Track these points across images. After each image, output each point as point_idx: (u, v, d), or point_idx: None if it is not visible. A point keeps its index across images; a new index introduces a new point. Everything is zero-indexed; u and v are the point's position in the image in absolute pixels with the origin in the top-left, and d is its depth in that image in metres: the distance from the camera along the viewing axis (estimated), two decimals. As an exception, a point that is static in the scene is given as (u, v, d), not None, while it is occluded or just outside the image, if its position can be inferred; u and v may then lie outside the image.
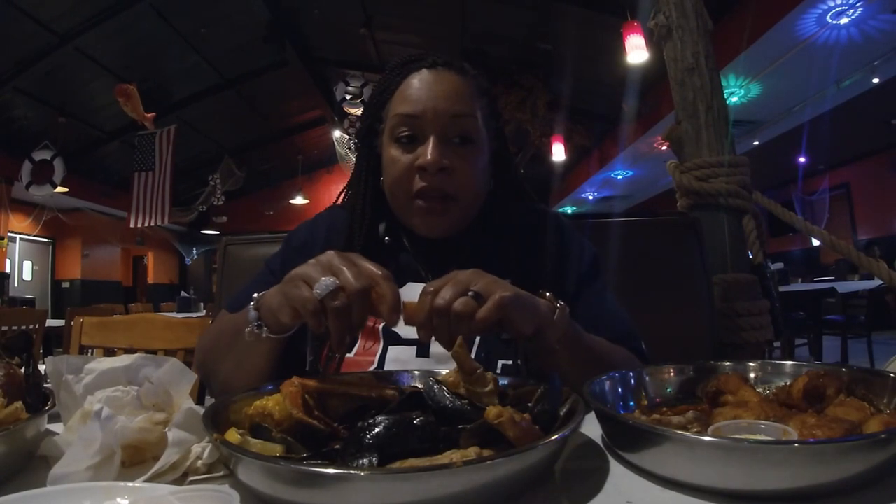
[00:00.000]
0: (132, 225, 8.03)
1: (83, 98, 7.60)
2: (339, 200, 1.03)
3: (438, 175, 0.84)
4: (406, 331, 0.88)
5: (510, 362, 0.86)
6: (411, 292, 0.91)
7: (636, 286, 1.26)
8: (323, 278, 0.60)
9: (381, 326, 0.89)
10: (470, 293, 0.62)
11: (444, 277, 0.65)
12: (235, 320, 0.78)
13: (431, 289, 0.63)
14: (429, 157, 0.83)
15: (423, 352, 0.86)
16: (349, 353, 0.88)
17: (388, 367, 0.85)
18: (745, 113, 6.83)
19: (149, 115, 6.50)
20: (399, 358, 0.86)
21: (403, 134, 0.86)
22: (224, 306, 0.94)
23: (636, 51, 5.21)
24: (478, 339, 0.86)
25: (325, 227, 1.00)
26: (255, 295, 0.71)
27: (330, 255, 0.63)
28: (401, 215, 0.92)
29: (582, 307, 0.90)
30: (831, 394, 0.58)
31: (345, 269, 0.61)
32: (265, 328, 0.69)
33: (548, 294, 0.73)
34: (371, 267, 0.62)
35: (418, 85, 0.87)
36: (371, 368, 0.86)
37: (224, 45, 7.44)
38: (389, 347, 0.87)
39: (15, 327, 3.34)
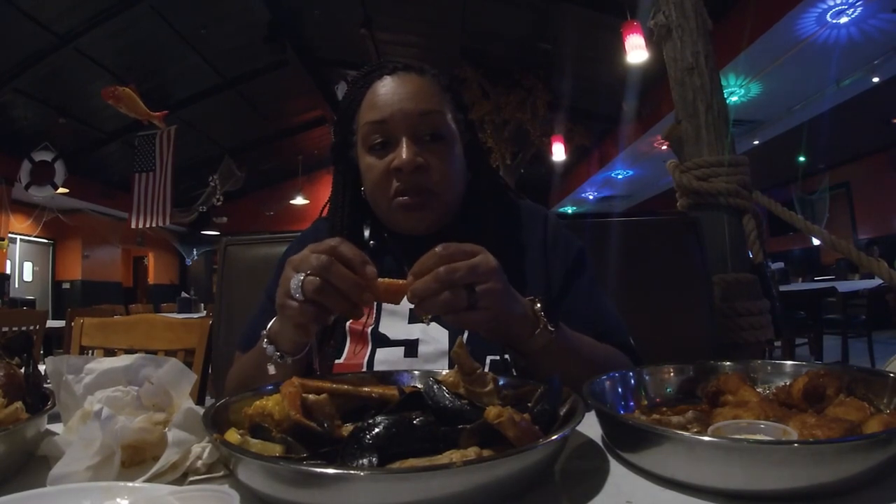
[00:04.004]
0: (133, 226, 8.02)
1: (83, 98, 7.59)
2: (324, 213, 1.04)
3: (415, 174, 0.85)
4: (394, 332, 0.89)
5: (498, 357, 0.86)
6: None
7: (636, 286, 1.26)
8: (291, 282, 0.64)
9: (369, 330, 0.89)
10: (467, 291, 0.64)
11: (466, 252, 0.65)
12: (255, 359, 0.80)
13: (440, 267, 0.63)
14: (403, 157, 0.84)
15: (411, 352, 0.87)
16: (338, 358, 0.88)
17: (377, 368, 0.85)
18: (745, 112, 6.83)
19: (158, 113, 6.46)
20: (388, 359, 0.86)
21: (376, 141, 0.88)
22: (237, 346, 0.97)
23: (636, 50, 5.21)
24: (466, 333, 0.87)
25: (312, 241, 1.01)
26: (264, 333, 0.74)
27: (292, 258, 0.67)
28: (384, 219, 0.94)
29: (569, 302, 0.90)
30: (831, 394, 0.58)
31: (305, 259, 0.65)
32: (286, 356, 0.72)
33: (537, 306, 0.73)
34: (328, 241, 0.65)
35: (383, 91, 0.88)
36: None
37: (224, 45, 7.44)
38: (378, 349, 0.87)
39: (15, 328, 3.34)
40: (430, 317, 0.89)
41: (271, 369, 0.72)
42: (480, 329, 0.69)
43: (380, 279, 0.65)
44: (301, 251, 0.67)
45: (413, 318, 0.90)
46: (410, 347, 0.87)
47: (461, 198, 0.94)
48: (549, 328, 0.72)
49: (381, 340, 0.88)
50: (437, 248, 0.64)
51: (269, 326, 0.75)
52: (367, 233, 0.97)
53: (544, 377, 0.75)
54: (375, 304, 0.92)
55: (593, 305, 0.91)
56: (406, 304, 0.90)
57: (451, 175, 0.89)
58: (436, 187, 0.87)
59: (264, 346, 0.73)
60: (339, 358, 0.89)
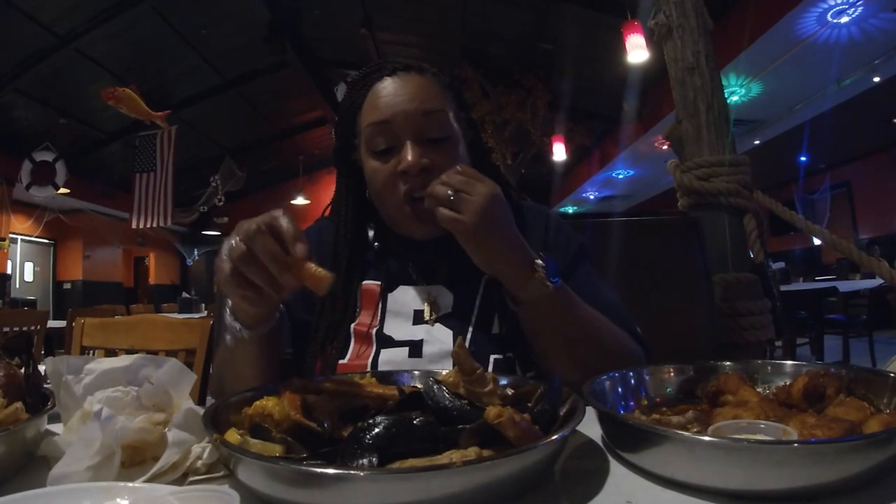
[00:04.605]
0: (134, 226, 8.03)
1: (84, 99, 7.60)
2: (327, 212, 1.03)
3: (421, 175, 0.84)
4: (399, 333, 0.89)
5: (501, 356, 0.86)
6: (403, 295, 0.92)
7: (637, 286, 1.26)
8: (224, 244, 0.62)
9: (373, 331, 0.89)
10: (450, 194, 0.74)
11: (475, 174, 0.77)
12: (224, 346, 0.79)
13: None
14: (409, 159, 0.84)
15: (415, 353, 0.86)
16: (342, 358, 0.88)
17: (381, 369, 0.85)
18: (746, 112, 6.82)
19: (160, 112, 6.45)
20: (392, 360, 0.86)
21: (380, 143, 0.87)
22: None
23: (636, 50, 5.21)
24: (469, 333, 0.87)
25: (315, 241, 1.00)
26: (228, 304, 0.72)
27: (240, 222, 0.64)
28: (393, 223, 0.93)
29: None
30: (831, 393, 0.58)
31: (244, 225, 0.62)
32: (244, 330, 0.70)
33: (539, 261, 0.76)
34: (273, 212, 0.62)
35: (384, 92, 0.88)
36: None
37: (224, 45, 7.44)
38: (382, 350, 0.87)
39: (16, 328, 3.34)
40: (434, 317, 0.89)
41: (228, 339, 0.71)
42: (463, 243, 0.76)
43: (308, 264, 0.60)
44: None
45: (417, 319, 0.90)
46: (415, 348, 0.87)
47: None
48: (546, 283, 0.75)
49: (386, 341, 0.88)
50: (457, 167, 0.77)
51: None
52: (371, 234, 0.97)
53: (543, 338, 0.80)
54: (380, 305, 0.91)
55: (596, 293, 0.90)
56: (411, 305, 0.92)
57: None
58: None
59: (227, 319, 0.71)
60: (343, 359, 0.88)
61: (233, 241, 0.61)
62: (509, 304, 0.81)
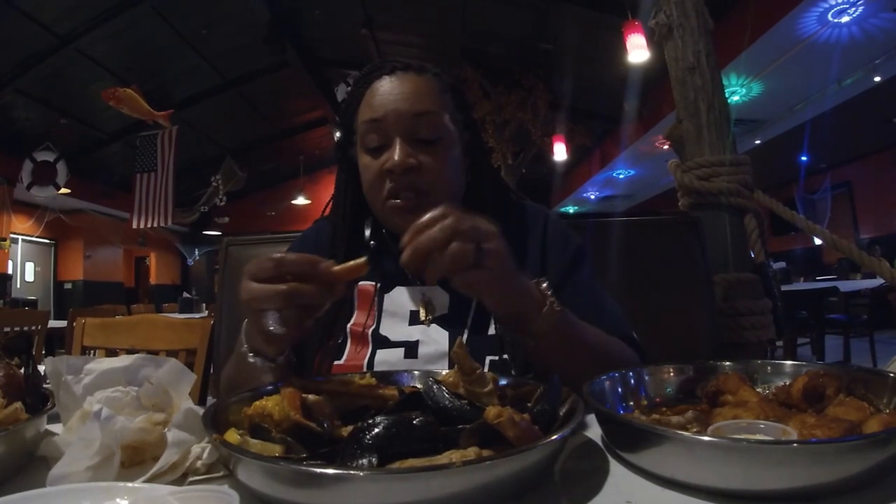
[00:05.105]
0: (134, 226, 8.04)
1: (84, 99, 7.61)
2: (326, 212, 1.04)
3: (407, 175, 0.85)
4: (395, 334, 0.89)
5: (497, 358, 0.86)
6: (399, 296, 0.92)
7: (637, 286, 1.26)
8: (268, 322, 0.65)
9: (369, 331, 0.89)
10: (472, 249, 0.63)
11: (463, 218, 0.63)
12: (236, 364, 0.79)
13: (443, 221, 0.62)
14: (395, 158, 0.84)
15: (411, 354, 0.86)
16: (339, 359, 0.88)
17: (377, 370, 0.85)
18: (747, 112, 6.82)
19: (162, 112, 6.49)
20: (387, 360, 0.86)
21: (372, 141, 0.88)
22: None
23: (637, 50, 5.21)
24: (465, 335, 0.87)
25: (314, 241, 1.02)
26: (244, 349, 0.74)
27: (248, 296, 0.65)
28: (381, 219, 0.94)
29: (567, 296, 0.88)
30: (831, 393, 0.58)
31: (265, 294, 0.63)
32: (277, 359, 0.72)
33: (543, 286, 0.74)
34: (267, 263, 0.64)
35: (380, 91, 0.89)
36: None
37: (225, 45, 7.45)
38: (378, 351, 0.87)
39: (17, 328, 3.34)
40: (430, 318, 0.89)
41: (266, 378, 0.71)
42: (485, 294, 0.69)
43: (335, 268, 0.64)
44: (249, 283, 0.65)
45: (414, 319, 0.90)
46: (410, 349, 0.87)
47: (459, 199, 0.93)
48: (556, 307, 0.73)
49: (382, 342, 0.88)
50: (439, 208, 0.63)
51: (245, 342, 0.75)
52: (367, 232, 0.97)
53: (553, 363, 0.76)
54: (376, 306, 0.92)
55: (593, 299, 0.90)
56: (407, 306, 0.91)
57: (445, 176, 0.89)
58: (429, 188, 0.86)
59: (250, 360, 0.73)
60: (340, 359, 0.89)
61: (275, 316, 0.64)
62: (528, 341, 0.74)
